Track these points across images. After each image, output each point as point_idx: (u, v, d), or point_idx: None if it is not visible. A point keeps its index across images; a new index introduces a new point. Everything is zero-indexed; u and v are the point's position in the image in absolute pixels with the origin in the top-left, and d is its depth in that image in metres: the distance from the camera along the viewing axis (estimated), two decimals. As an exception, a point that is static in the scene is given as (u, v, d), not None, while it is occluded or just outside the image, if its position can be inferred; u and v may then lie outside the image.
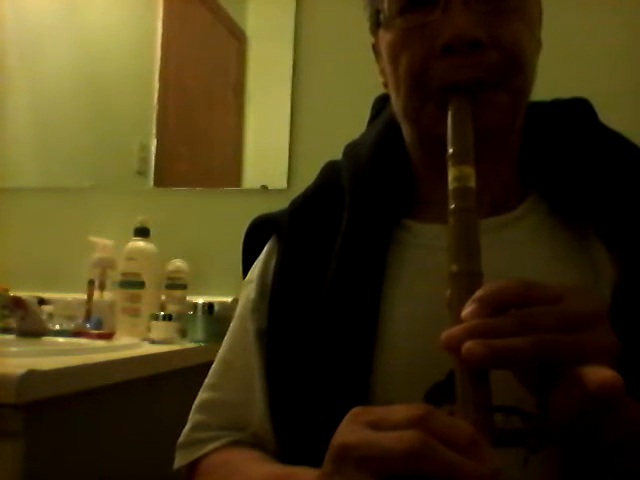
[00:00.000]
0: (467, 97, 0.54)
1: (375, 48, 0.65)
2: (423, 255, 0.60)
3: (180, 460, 0.65)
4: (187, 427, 0.67)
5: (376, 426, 0.38)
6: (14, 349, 1.08)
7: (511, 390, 0.44)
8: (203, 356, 1.23)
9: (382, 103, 0.74)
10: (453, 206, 0.48)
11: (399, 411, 0.38)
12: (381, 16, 0.59)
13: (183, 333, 1.37)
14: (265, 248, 0.70)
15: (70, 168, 1.70)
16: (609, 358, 0.41)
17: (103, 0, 1.74)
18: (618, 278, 0.56)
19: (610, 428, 0.44)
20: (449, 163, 0.51)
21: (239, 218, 1.21)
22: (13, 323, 1.25)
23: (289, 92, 1.57)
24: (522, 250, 0.59)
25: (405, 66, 0.57)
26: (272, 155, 1.58)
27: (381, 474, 0.35)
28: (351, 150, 0.71)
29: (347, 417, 0.40)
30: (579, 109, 0.66)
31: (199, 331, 1.35)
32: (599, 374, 0.38)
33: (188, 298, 1.44)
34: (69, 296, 1.47)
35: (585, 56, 1.38)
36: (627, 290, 0.55)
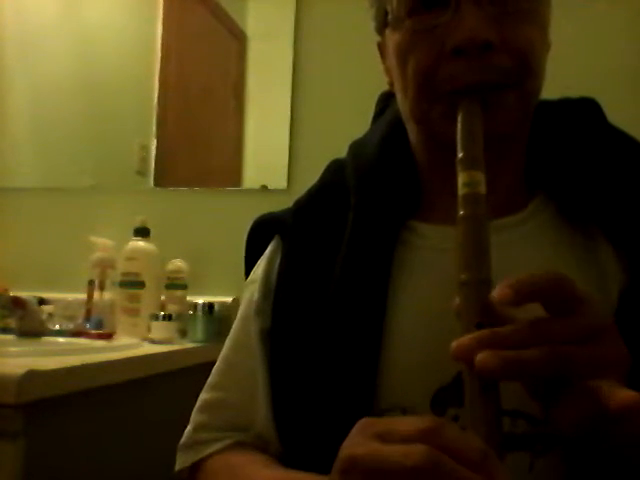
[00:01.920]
0: (477, 100, 0.53)
1: (380, 47, 0.64)
2: (429, 256, 0.60)
3: (182, 462, 0.65)
4: (189, 428, 0.67)
5: (384, 438, 0.37)
6: (14, 349, 1.08)
7: (518, 394, 0.44)
8: (203, 356, 1.23)
9: (387, 99, 0.73)
10: (462, 212, 0.47)
11: (408, 423, 0.37)
12: (389, 17, 0.58)
13: (183, 333, 1.38)
14: (269, 247, 0.69)
15: (70, 168, 1.70)
16: (621, 371, 0.41)
17: (103, 0, 1.74)
18: (625, 279, 0.56)
19: (617, 438, 0.44)
20: (459, 168, 0.50)
21: (239, 218, 1.21)
22: (13, 323, 1.25)
23: (289, 92, 1.57)
24: (528, 251, 0.58)
25: (414, 68, 0.56)
26: (272, 155, 1.58)
27: None
28: (356, 149, 0.70)
29: (355, 428, 0.39)
30: (587, 109, 0.65)
31: (199, 331, 1.35)
32: (621, 395, 0.38)
33: (188, 298, 1.43)
34: (69, 296, 1.48)
35: (588, 56, 1.37)
36: (634, 291, 0.55)
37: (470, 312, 0.43)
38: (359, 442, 0.38)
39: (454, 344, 0.41)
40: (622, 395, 0.38)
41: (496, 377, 0.40)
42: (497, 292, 0.41)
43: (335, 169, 0.70)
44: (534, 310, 0.42)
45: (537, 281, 0.42)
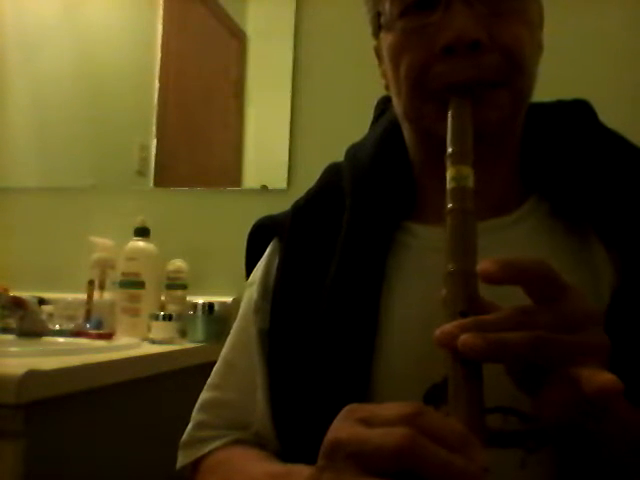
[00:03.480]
0: (467, 97, 0.54)
1: (377, 51, 0.65)
2: (423, 257, 0.61)
3: (183, 459, 0.66)
4: (190, 426, 0.67)
5: (368, 422, 0.38)
6: (14, 349, 1.08)
7: (510, 391, 0.44)
8: (203, 356, 1.23)
9: (385, 104, 0.74)
10: (450, 206, 0.48)
11: (391, 408, 0.38)
12: (382, 19, 0.59)
13: (183, 333, 1.37)
14: (267, 250, 0.70)
15: (70, 168, 1.70)
16: (601, 358, 0.41)
17: (103, 0, 1.74)
18: (617, 280, 0.56)
19: (601, 427, 0.44)
20: (447, 163, 0.50)
21: (239, 218, 1.21)
22: (13, 323, 1.25)
23: (289, 92, 1.57)
24: (522, 251, 0.59)
25: (406, 67, 0.57)
26: (272, 155, 1.58)
27: (370, 470, 0.35)
28: (352, 152, 0.71)
29: (340, 414, 0.40)
30: (580, 110, 0.66)
31: (199, 331, 1.35)
32: (598, 378, 0.38)
33: (188, 298, 1.44)
34: (69, 296, 1.47)
35: (584, 57, 1.37)
36: (626, 292, 0.55)
37: (455, 301, 0.44)
38: (343, 427, 0.38)
39: (438, 331, 0.42)
40: (601, 377, 0.38)
41: (478, 357, 0.40)
42: (482, 265, 0.42)
43: (332, 172, 0.71)
44: (518, 301, 0.43)
45: (523, 263, 0.42)
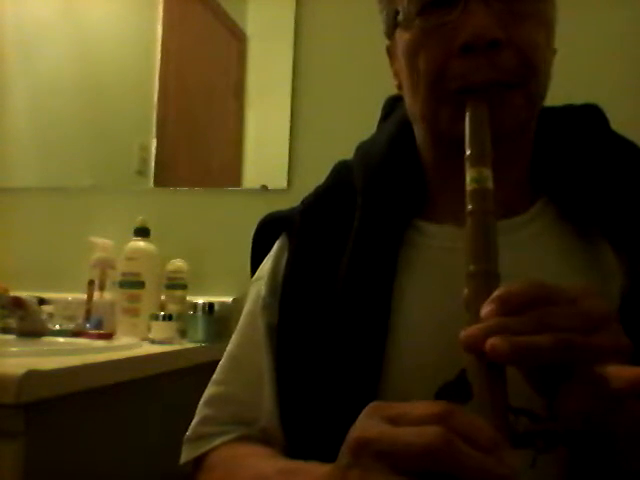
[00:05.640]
0: (484, 100, 0.54)
1: (389, 51, 0.65)
2: (434, 255, 0.61)
3: (187, 454, 0.66)
4: (195, 421, 0.67)
5: (396, 421, 0.37)
6: (14, 349, 1.08)
7: (520, 391, 0.44)
8: (203, 356, 1.23)
9: (393, 104, 0.74)
10: (471, 207, 0.48)
11: (420, 407, 0.37)
12: (399, 16, 0.59)
13: (183, 333, 1.38)
14: (275, 245, 0.70)
15: (70, 168, 1.70)
16: (624, 358, 0.41)
17: (103, 0, 1.74)
18: (627, 282, 0.56)
19: (620, 425, 0.44)
20: (467, 164, 0.51)
21: (239, 218, 1.22)
22: (13, 323, 1.25)
23: (289, 92, 1.57)
24: (530, 253, 0.59)
25: (424, 66, 0.57)
26: (272, 155, 1.58)
27: (400, 469, 0.35)
28: (363, 150, 0.71)
29: (366, 411, 0.40)
30: (590, 115, 0.66)
31: (199, 331, 1.35)
32: (627, 372, 0.38)
33: (188, 298, 1.44)
34: (69, 296, 1.47)
35: (589, 58, 1.37)
36: (635, 293, 0.55)
37: (478, 302, 0.44)
38: (370, 425, 0.38)
39: (463, 333, 0.42)
40: (627, 372, 0.38)
41: (505, 361, 0.40)
42: (483, 310, 0.42)
43: (342, 170, 0.71)
44: None
45: (517, 293, 0.42)
